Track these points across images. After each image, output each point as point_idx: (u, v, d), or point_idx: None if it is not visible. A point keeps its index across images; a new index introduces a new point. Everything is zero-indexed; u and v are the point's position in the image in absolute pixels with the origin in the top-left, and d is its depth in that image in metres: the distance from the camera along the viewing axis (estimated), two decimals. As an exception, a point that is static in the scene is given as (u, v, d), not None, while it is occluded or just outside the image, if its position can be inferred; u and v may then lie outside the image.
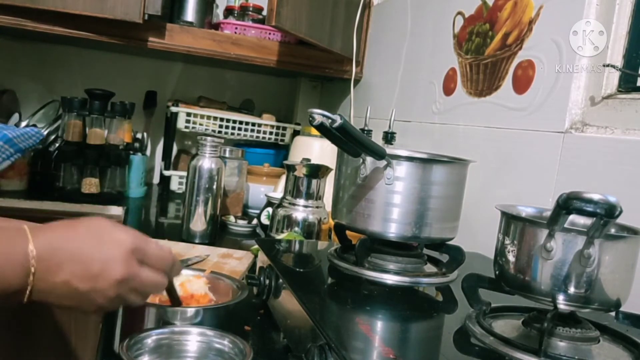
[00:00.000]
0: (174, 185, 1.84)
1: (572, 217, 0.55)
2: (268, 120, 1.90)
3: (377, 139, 1.18)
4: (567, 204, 0.52)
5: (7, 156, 1.41)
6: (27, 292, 0.54)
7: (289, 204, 1.19)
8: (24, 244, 0.54)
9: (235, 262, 1.09)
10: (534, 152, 0.96)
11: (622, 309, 0.60)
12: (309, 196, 1.19)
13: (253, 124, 1.86)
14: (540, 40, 0.98)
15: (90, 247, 0.56)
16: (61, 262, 0.55)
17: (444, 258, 0.87)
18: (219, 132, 1.80)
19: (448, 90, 1.25)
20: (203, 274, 0.82)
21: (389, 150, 0.80)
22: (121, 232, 0.58)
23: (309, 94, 2.12)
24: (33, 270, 0.53)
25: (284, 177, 1.33)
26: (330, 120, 0.69)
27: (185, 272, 0.82)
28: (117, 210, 1.51)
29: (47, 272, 0.54)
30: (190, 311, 0.69)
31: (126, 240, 0.58)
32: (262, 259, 0.89)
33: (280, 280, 0.76)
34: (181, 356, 0.65)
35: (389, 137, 1.27)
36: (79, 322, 1.21)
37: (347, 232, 0.90)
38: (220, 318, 0.71)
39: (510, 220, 0.62)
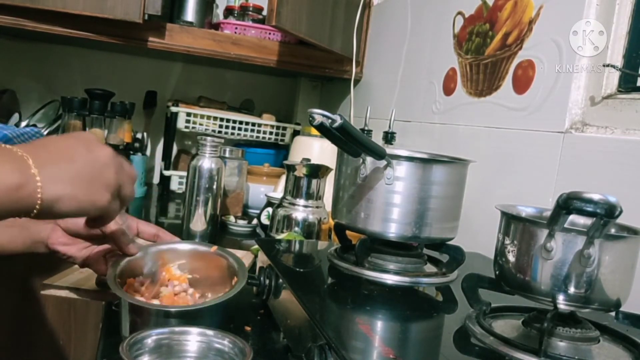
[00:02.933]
0: (174, 185, 1.83)
1: (572, 217, 0.55)
2: (268, 120, 1.90)
3: (377, 139, 1.19)
4: (567, 204, 0.52)
5: (7, 156, 1.41)
6: (35, 180, 0.52)
7: (289, 204, 1.19)
8: (8, 149, 0.53)
9: (235, 262, 1.09)
10: (534, 152, 0.96)
11: (622, 309, 0.60)
12: (309, 196, 1.19)
13: (253, 124, 1.86)
14: (540, 40, 0.98)
15: (64, 136, 0.61)
16: (52, 146, 0.56)
17: (444, 258, 0.87)
18: (219, 132, 1.80)
19: (448, 90, 1.25)
20: (210, 249, 0.82)
21: (389, 150, 0.79)
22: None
23: (309, 94, 2.12)
24: (27, 158, 0.52)
25: (284, 177, 1.33)
26: (330, 120, 0.69)
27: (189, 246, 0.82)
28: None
29: (41, 158, 0.54)
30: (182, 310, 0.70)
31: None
32: (262, 259, 0.89)
33: (280, 280, 0.76)
34: (181, 356, 0.65)
35: (389, 137, 1.27)
36: (79, 322, 1.20)
37: (347, 232, 0.90)
38: (218, 314, 0.71)
39: (510, 220, 0.62)
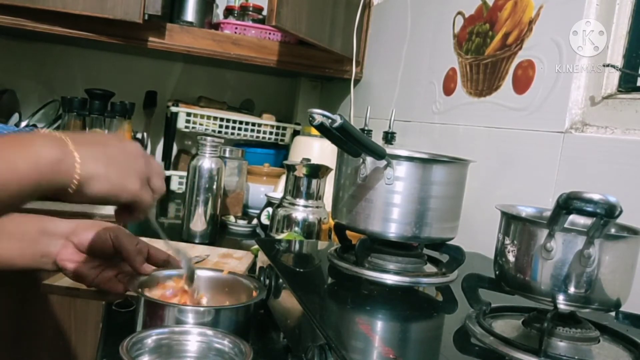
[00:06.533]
0: (174, 185, 1.83)
1: (572, 217, 0.55)
2: (268, 120, 1.90)
3: (377, 139, 1.18)
4: (567, 204, 0.52)
5: (7, 156, 1.41)
6: (73, 157, 0.56)
7: (289, 204, 1.19)
8: (47, 132, 0.58)
9: (235, 262, 1.09)
10: (534, 152, 0.96)
11: (622, 309, 0.60)
12: (309, 196, 1.19)
13: (253, 124, 1.86)
14: (540, 40, 0.98)
15: (104, 134, 0.67)
16: (87, 135, 0.63)
17: (444, 258, 0.87)
18: (219, 132, 1.80)
19: (448, 90, 1.25)
20: (221, 274, 0.82)
21: (389, 150, 0.79)
22: None
23: (309, 94, 2.12)
24: (65, 138, 0.57)
25: (284, 177, 1.33)
26: (330, 120, 0.69)
27: (205, 273, 0.82)
28: (117, 210, 1.51)
29: (78, 141, 0.58)
30: (205, 311, 0.70)
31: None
32: (262, 259, 0.89)
33: (280, 280, 0.76)
34: (181, 356, 0.65)
35: (389, 137, 1.27)
36: (79, 322, 1.21)
37: (347, 232, 0.90)
38: (237, 318, 0.71)
39: (510, 220, 0.62)
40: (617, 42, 0.88)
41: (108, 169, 0.59)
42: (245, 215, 1.53)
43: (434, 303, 0.78)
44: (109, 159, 0.60)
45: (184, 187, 1.35)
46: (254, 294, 0.76)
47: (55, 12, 1.40)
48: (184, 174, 1.38)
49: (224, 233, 1.37)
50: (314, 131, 1.20)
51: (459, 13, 1.23)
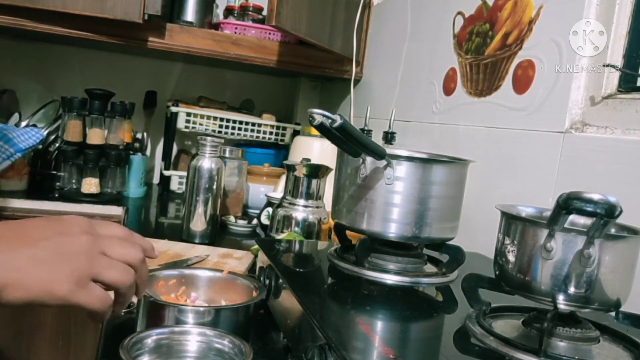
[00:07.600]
0: (174, 185, 1.84)
1: (572, 217, 0.55)
2: (268, 120, 1.90)
3: (377, 139, 1.18)
4: (567, 204, 0.52)
5: (7, 156, 1.41)
6: None
7: (289, 204, 1.19)
8: None
9: (235, 262, 1.09)
10: (534, 152, 0.96)
11: (622, 309, 0.60)
12: (309, 196, 1.19)
13: (253, 124, 1.86)
14: (540, 40, 0.98)
15: (41, 220, 0.55)
16: (22, 229, 0.53)
17: (444, 258, 0.87)
18: (219, 132, 1.80)
19: (448, 90, 1.25)
20: (221, 274, 0.82)
21: (389, 150, 0.79)
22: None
23: (309, 94, 2.12)
24: None
25: (284, 177, 1.33)
26: (330, 120, 0.69)
27: (205, 273, 0.82)
28: (117, 210, 1.51)
29: (2, 242, 0.51)
30: (205, 311, 0.70)
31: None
32: (262, 259, 0.89)
33: (280, 280, 0.76)
34: (181, 356, 0.65)
35: (389, 137, 1.27)
36: (78, 322, 1.21)
37: (347, 232, 0.90)
38: (237, 318, 0.71)
39: (510, 220, 0.62)
40: (617, 42, 0.88)
41: (26, 276, 0.51)
42: (245, 215, 1.53)
43: (434, 303, 0.78)
44: (32, 262, 0.51)
45: (184, 187, 1.35)
46: (254, 294, 0.77)
47: (55, 12, 1.40)
48: (184, 174, 1.38)
49: (224, 233, 1.37)
50: (314, 131, 1.20)
51: (459, 13, 1.23)
